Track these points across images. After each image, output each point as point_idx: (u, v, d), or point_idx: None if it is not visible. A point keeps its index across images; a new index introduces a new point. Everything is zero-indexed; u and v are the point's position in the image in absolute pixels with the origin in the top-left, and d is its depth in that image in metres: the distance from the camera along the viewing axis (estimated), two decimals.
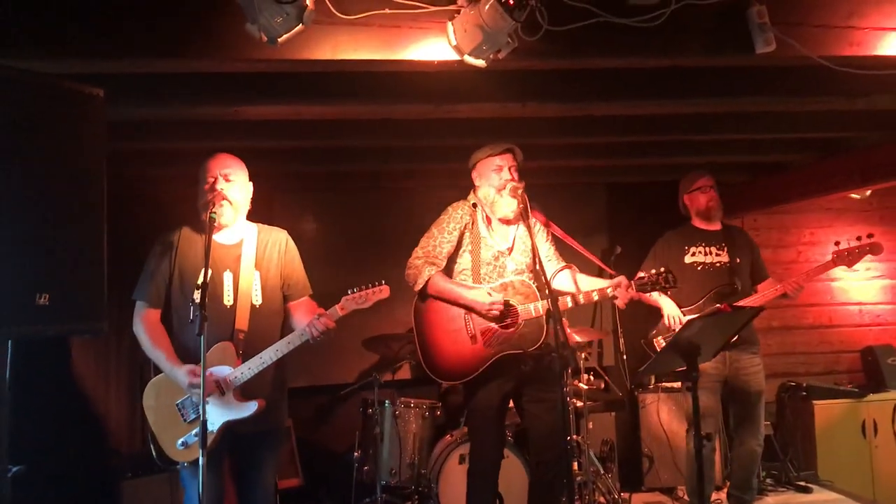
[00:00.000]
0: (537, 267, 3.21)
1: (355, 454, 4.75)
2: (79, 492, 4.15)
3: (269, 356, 2.98)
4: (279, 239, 3.23)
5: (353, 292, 3.05)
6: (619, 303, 3.41)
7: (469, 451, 3.73)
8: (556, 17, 2.68)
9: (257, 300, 3.09)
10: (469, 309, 3.44)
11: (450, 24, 2.67)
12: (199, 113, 3.54)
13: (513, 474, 4.25)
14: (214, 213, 2.98)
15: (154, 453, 3.02)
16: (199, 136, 3.93)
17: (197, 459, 2.68)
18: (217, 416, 2.95)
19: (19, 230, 2.27)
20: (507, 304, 3.42)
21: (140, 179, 5.03)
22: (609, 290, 3.39)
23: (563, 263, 3.68)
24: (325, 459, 5.49)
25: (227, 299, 3.05)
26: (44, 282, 2.31)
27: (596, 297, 3.42)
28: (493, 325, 3.43)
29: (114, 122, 2.72)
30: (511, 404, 3.68)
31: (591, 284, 3.52)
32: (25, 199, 2.29)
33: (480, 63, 2.66)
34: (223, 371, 2.97)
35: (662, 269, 3.42)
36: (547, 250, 3.70)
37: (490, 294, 3.39)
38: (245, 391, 3.00)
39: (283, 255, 3.20)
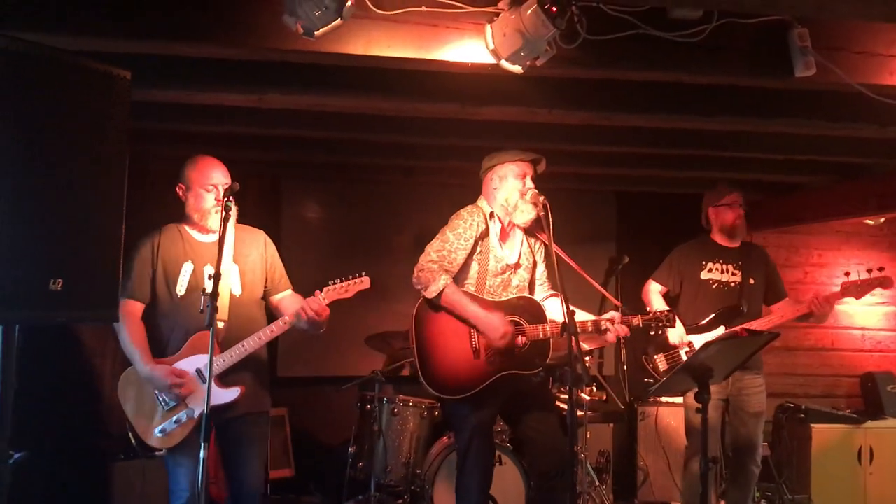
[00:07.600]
0: (557, 282, 3.15)
1: (350, 449, 4.69)
2: (71, 474, 4.09)
3: (251, 343, 3.07)
4: (257, 238, 3.33)
5: (334, 283, 3.13)
6: (610, 337, 3.35)
7: (458, 472, 3.45)
8: (596, 27, 2.63)
9: (237, 290, 3.19)
10: (476, 329, 3.32)
11: (488, 26, 2.61)
12: (221, 98, 3.45)
13: (509, 480, 4.22)
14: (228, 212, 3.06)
15: (133, 441, 3.10)
16: (219, 121, 3.86)
17: (176, 445, 3.01)
18: (198, 402, 3.00)
19: (37, 212, 2.20)
20: (516, 322, 3.34)
21: (152, 159, 4.93)
22: (602, 324, 3.33)
23: (552, 291, 3.60)
24: (319, 452, 5.43)
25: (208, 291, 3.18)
26: (58, 267, 2.24)
27: (590, 328, 3.36)
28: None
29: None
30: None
31: (582, 315, 3.40)
32: (45, 180, 2.21)
33: (517, 69, 2.61)
34: (202, 359, 2.99)
35: (668, 310, 3.43)
36: (541, 273, 3.63)
37: (507, 324, 3.28)
38: (225, 378, 3.07)
39: (264, 252, 3.30)
